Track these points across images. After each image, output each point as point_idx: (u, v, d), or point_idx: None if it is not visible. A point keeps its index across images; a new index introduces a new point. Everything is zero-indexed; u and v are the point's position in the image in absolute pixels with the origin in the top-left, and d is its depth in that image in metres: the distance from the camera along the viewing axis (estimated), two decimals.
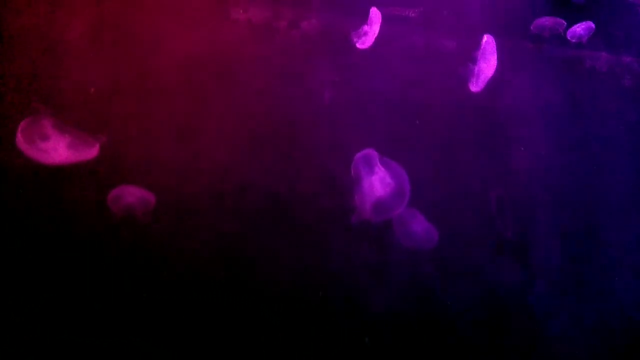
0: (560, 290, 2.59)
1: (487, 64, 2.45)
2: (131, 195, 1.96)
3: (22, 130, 1.58)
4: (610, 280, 2.63)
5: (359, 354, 2.32)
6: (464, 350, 2.45)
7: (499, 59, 2.45)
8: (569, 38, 2.73)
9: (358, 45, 2.45)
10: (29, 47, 2.07)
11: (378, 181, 2.25)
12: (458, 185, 2.54)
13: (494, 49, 2.43)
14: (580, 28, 2.75)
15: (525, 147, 2.65)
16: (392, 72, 2.52)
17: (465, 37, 2.56)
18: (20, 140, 1.59)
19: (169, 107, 2.23)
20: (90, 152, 1.69)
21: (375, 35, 2.43)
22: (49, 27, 2.15)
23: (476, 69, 2.45)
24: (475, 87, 2.47)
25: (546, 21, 2.70)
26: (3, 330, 1.86)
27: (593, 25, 2.72)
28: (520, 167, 2.64)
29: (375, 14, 2.41)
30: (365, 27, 2.44)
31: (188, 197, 2.14)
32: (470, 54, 2.49)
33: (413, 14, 2.56)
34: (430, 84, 2.56)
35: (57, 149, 1.62)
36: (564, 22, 2.71)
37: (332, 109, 2.49)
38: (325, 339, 2.29)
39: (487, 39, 2.42)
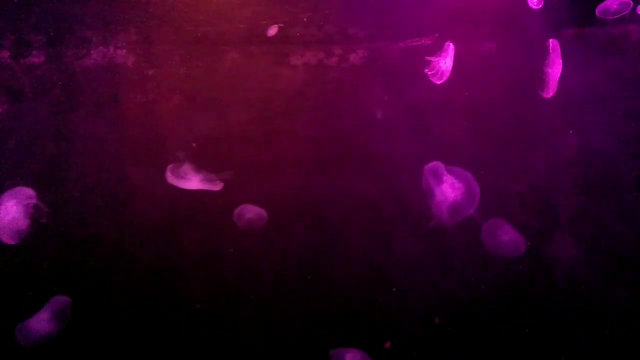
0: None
1: (554, 68, 2.57)
2: (250, 212, 2.58)
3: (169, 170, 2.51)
4: None
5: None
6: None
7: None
8: (605, 16, 2.87)
9: (434, 80, 2.66)
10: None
11: (448, 187, 2.55)
12: (520, 178, 2.85)
13: (559, 51, 2.56)
14: (617, 3, 2.89)
15: (577, 131, 2.87)
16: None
17: (504, 37, 2.86)
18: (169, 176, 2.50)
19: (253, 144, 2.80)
20: (217, 186, 2.52)
21: (450, 70, 2.64)
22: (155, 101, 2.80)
23: (545, 76, 2.57)
24: (547, 93, 2.60)
25: (612, 4, 2.72)
26: None
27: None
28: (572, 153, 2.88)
29: (450, 49, 2.61)
30: (442, 63, 2.63)
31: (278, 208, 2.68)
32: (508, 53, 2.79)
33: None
34: (472, 85, 2.90)
35: (192, 181, 2.45)
36: (630, 1, 2.72)
37: (384, 124, 2.92)
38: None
39: (552, 44, 2.53)
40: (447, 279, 2.72)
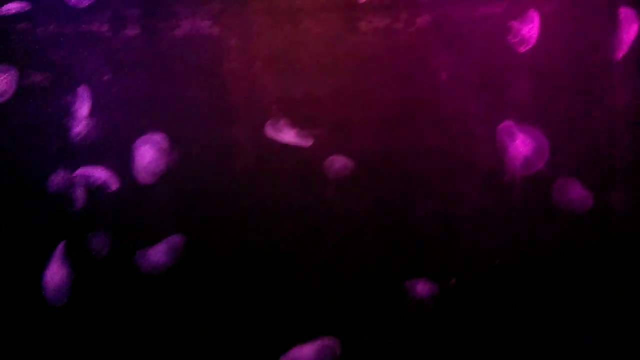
0: None
1: (628, 33, 2.72)
2: (338, 162, 2.93)
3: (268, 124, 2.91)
4: None
5: None
6: None
7: None
8: None
9: (518, 48, 2.83)
10: None
11: (521, 143, 2.79)
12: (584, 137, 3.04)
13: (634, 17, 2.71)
14: None
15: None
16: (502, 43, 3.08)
17: None
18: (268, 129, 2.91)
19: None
20: (308, 141, 2.89)
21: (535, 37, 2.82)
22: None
23: (616, 38, 2.71)
24: (617, 55, 2.75)
25: None
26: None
27: None
28: None
29: (535, 16, 2.78)
30: (526, 30, 2.80)
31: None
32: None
33: None
34: (536, 47, 3.07)
35: (288, 135, 2.87)
36: None
37: (452, 85, 3.14)
38: None
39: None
40: (514, 229, 2.98)
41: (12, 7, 2.99)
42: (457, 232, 3.01)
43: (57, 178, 2.88)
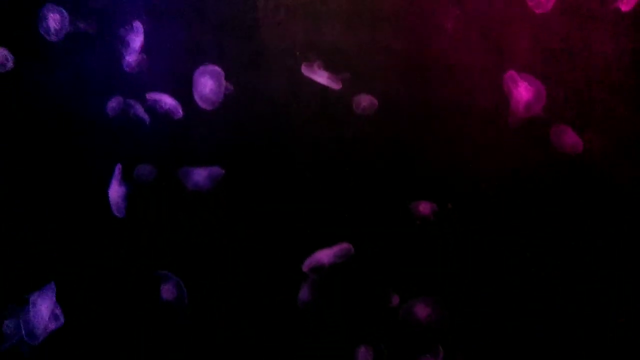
0: None
1: None
2: (365, 101, 3.32)
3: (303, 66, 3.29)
4: None
5: None
6: None
7: None
8: None
9: (535, 9, 3.16)
10: None
11: (523, 89, 3.17)
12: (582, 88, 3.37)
13: None
14: None
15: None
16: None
17: None
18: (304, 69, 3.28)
19: None
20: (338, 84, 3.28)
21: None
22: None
23: None
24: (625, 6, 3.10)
25: None
26: None
27: None
28: None
29: None
30: None
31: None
32: None
33: None
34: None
35: (321, 77, 3.25)
36: None
37: (455, 35, 3.49)
38: None
39: None
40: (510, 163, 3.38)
41: None
42: (460, 164, 3.41)
43: (114, 103, 3.25)
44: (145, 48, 3.29)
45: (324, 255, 3.04)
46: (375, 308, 3.21)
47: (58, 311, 2.72)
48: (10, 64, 3.24)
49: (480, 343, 3.17)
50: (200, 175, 3.19)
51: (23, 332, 2.63)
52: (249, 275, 3.34)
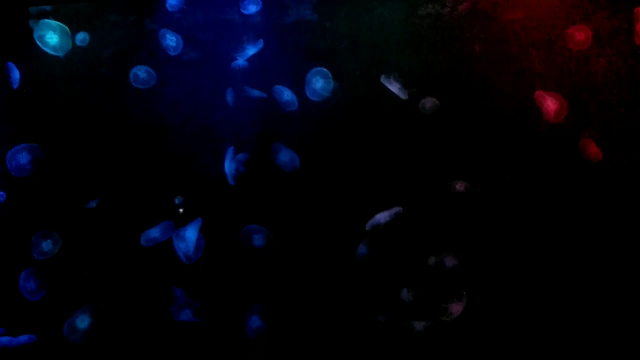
0: None
1: None
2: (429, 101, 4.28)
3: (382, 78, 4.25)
4: None
5: None
6: None
7: None
8: None
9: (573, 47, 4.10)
10: None
11: (550, 102, 3.97)
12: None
13: None
14: None
15: None
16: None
17: None
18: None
19: None
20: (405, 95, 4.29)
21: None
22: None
23: None
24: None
25: None
26: None
27: None
28: None
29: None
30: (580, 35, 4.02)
31: None
32: None
33: None
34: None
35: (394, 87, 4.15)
36: None
37: (482, 55, 4.32)
38: None
39: None
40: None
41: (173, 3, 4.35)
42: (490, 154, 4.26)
43: (230, 96, 4.14)
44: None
45: (381, 217, 3.95)
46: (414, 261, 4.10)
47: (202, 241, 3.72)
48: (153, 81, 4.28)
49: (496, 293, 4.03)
50: (286, 155, 4.13)
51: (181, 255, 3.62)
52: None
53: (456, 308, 3.59)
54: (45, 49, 3.98)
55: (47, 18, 4.08)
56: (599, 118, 4.12)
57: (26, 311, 4.03)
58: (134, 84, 4.19)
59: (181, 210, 4.23)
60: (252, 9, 4.23)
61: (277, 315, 4.00)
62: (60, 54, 4.00)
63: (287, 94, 4.17)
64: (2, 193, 4.14)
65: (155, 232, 3.93)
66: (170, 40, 4.19)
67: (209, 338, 4.10)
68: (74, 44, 4.11)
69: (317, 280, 4.22)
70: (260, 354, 3.93)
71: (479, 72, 4.24)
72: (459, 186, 4.06)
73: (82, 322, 3.61)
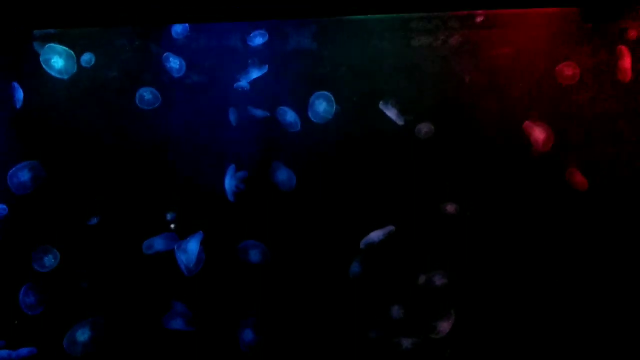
0: None
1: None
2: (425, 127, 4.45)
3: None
4: None
5: None
6: None
7: None
8: None
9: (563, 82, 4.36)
10: None
11: (538, 132, 4.20)
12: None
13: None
14: None
15: None
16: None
17: None
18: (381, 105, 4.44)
19: None
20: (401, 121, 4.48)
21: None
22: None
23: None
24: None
25: None
26: None
27: None
28: None
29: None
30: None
31: None
32: None
33: None
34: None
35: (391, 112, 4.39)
36: None
37: (471, 85, 4.56)
38: None
39: None
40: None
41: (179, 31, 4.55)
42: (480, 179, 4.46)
43: (233, 116, 4.33)
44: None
45: (375, 235, 4.13)
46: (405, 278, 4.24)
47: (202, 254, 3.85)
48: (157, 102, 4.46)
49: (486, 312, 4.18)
50: (284, 174, 4.31)
51: (183, 267, 3.74)
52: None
53: (445, 326, 3.72)
54: (51, 72, 4.12)
55: (53, 41, 4.20)
56: (584, 148, 4.35)
57: (26, 325, 4.12)
58: (139, 105, 4.35)
59: (172, 225, 4.34)
60: (258, 40, 4.44)
61: (270, 329, 4.11)
62: (65, 76, 4.14)
63: (290, 115, 4.35)
64: (3, 206, 4.22)
65: (158, 242, 4.05)
66: (174, 62, 4.37)
67: (202, 351, 4.20)
68: (79, 65, 4.25)
69: (310, 295, 4.37)
70: None
71: (468, 101, 4.47)
72: (450, 207, 4.24)
73: (82, 335, 3.69)
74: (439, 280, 3.99)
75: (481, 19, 4.51)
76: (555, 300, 4.22)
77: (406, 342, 3.82)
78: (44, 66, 4.09)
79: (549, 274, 4.26)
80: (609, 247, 4.24)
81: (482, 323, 4.14)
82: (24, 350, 3.97)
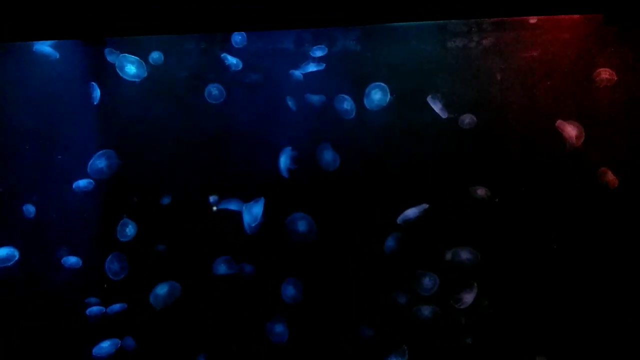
0: None
1: None
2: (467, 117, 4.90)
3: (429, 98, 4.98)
4: None
5: None
6: None
7: None
8: None
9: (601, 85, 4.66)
10: None
11: (570, 129, 4.61)
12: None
13: None
14: None
15: None
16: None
17: None
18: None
19: None
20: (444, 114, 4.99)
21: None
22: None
23: None
24: None
25: None
26: None
27: None
28: None
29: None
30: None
31: None
32: None
33: None
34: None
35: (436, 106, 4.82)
36: None
37: (501, 84, 5.01)
38: None
39: None
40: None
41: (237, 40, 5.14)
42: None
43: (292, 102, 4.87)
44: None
45: (411, 212, 4.61)
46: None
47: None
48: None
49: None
50: (329, 155, 4.85)
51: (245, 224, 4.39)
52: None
53: (468, 297, 4.21)
54: (125, 77, 4.69)
55: (125, 47, 4.71)
56: (615, 147, 4.66)
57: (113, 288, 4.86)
58: (208, 99, 4.99)
59: (215, 208, 4.91)
60: (318, 53, 4.98)
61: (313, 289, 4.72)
62: (137, 80, 4.67)
63: (347, 103, 4.88)
64: (90, 180, 4.72)
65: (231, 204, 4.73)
66: (232, 59, 4.95)
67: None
68: (148, 63, 4.79)
69: (348, 264, 4.97)
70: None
71: (499, 99, 4.89)
72: (480, 191, 4.68)
73: (162, 289, 4.40)
74: (464, 255, 4.47)
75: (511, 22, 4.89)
76: (574, 293, 4.61)
77: (426, 311, 4.29)
78: (119, 72, 4.66)
79: (572, 266, 4.66)
80: (634, 244, 4.56)
81: (502, 299, 4.59)
82: (116, 306, 4.60)
